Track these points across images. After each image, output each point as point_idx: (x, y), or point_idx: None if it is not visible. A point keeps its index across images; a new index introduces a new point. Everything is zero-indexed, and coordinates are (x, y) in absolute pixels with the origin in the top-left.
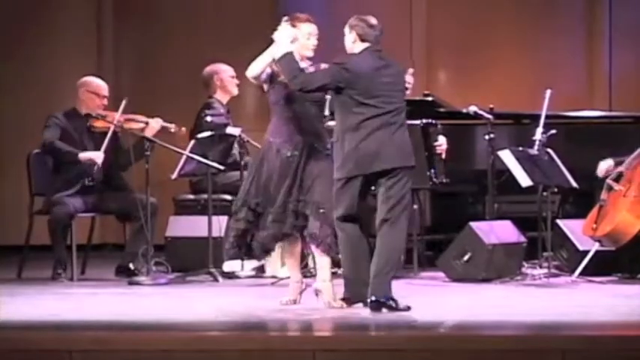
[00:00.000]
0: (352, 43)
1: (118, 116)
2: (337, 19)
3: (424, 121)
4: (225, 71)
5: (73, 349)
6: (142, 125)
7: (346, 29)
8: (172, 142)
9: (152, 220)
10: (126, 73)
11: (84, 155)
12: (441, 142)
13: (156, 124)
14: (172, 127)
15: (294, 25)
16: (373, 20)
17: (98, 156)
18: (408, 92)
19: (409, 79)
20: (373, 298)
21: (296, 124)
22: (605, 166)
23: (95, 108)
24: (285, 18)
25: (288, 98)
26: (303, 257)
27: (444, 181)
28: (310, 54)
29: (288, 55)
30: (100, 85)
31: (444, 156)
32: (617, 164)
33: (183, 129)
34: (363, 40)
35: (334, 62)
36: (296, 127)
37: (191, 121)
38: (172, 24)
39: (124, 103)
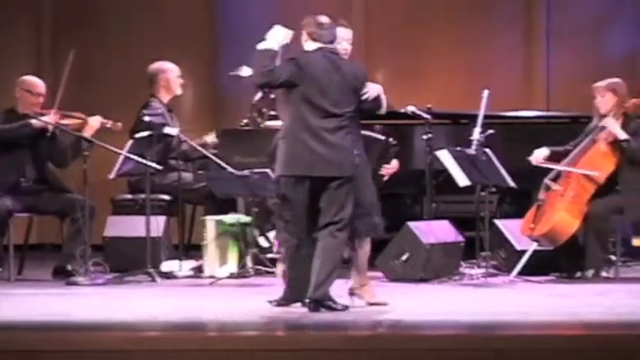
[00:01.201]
0: (304, 42)
1: (54, 113)
2: (279, 20)
3: (388, 139)
4: (171, 70)
5: (9, 350)
6: (79, 122)
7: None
8: (112, 140)
9: (90, 220)
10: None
11: (36, 122)
12: (393, 166)
13: (95, 122)
14: (109, 123)
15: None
16: (323, 19)
17: (52, 118)
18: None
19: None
20: (312, 298)
21: None
22: (540, 154)
23: (30, 106)
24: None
25: None
26: (242, 257)
27: None
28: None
29: (269, 52)
30: (33, 82)
31: (385, 178)
32: (553, 154)
33: (119, 124)
34: (314, 40)
35: (288, 58)
36: None
37: (129, 123)
38: (111, 26)
39: (71, 56)
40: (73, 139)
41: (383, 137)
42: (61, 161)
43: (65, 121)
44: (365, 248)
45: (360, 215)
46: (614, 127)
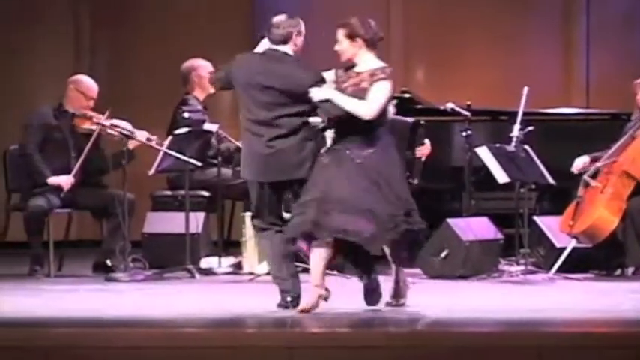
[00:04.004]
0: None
1: (103, 119)
2: (314, 19)
3: (415, 119)
4: (203, 67)
5: (49, 346)
6: (126, 133)
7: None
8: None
9: (129, 216)
10: (103, 75)
11: (53, 180)
12: (426, 146)
13: (141, 136)
14: (154, 141)
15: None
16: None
17: (67, 182)
18: None
19: None
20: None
21: None
22: (580, 162)
23: (80, 107)
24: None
25: None
26: None
27: (416, 182)
28: None
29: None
30: (90, 85)
31: (423, 159)
32: (593, 160)
33: (166, 143)
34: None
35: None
36: None
37: (167, 120)
38: (148, 24)
39: (107, 113)
40: (116, 151)
41: (410, 119)
42: (102, 170)
43: (111, 131)
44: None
45: None
46: None
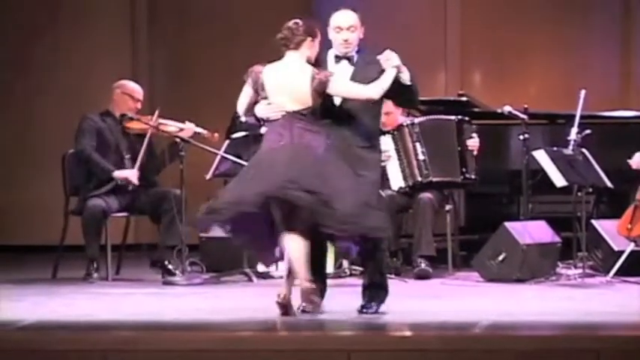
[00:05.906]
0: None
1: (153, 120)
2: (372, 19)
3: (459, 117)
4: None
5: (107, 349)
6: (175, 129)
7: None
8: (208, 141)
9: (181, 213)
10: (160, 75)
11: (119, 174)
12: (476, 140)
13: (189, 130)
14: (205, 132)
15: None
16: None
17: (133, 174)
18: None
19: None
20: None
21: None
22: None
23: (128, 110)
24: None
25: None
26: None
27: (473, 177)
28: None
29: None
30: (135, 88)
31: (475, 153)
32: None
33: (216, 135)
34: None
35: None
36: None
37: (226, 123)
38: (206, 26)
39: (157, 112)
40: (170, 142)
41: (453, 117)
42: (157, 167)
43: (162, 128)
44: None
45: None
46: None
